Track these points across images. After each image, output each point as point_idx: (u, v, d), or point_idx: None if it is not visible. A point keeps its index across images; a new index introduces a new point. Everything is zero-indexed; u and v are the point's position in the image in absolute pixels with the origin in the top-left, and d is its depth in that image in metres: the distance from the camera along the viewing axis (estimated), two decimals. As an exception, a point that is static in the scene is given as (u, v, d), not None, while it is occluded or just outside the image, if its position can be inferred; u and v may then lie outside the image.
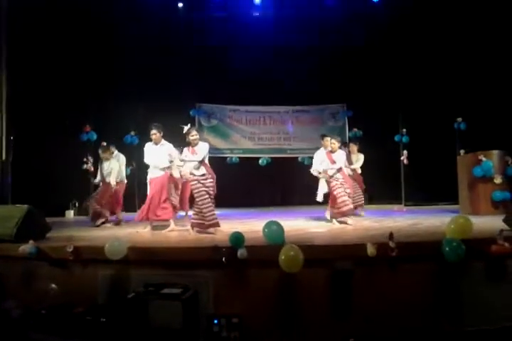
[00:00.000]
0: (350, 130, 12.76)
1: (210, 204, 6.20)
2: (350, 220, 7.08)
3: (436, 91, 10.94)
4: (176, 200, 8.58)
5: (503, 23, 9.93)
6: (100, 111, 10.53)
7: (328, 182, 7.40)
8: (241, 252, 4.34)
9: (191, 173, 6.21)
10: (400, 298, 4.34)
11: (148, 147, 6.86)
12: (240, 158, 12.56)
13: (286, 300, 4.43)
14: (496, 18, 10.02)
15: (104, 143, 8.64)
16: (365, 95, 11.84)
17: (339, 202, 7.07)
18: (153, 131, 6.78)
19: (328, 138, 7.75)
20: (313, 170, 7.74)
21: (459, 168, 8.65)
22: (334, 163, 7.24)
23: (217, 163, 12.36)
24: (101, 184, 7.95)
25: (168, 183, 6.88)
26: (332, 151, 7.37)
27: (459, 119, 10.66)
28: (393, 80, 11.45)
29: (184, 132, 6.50)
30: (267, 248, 4.53)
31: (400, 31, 11.21)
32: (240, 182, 12.12)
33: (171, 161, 6.83)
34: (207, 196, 6.17)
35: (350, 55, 11.89)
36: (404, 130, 11.01)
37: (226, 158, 12.56)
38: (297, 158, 12.65)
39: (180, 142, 9.60)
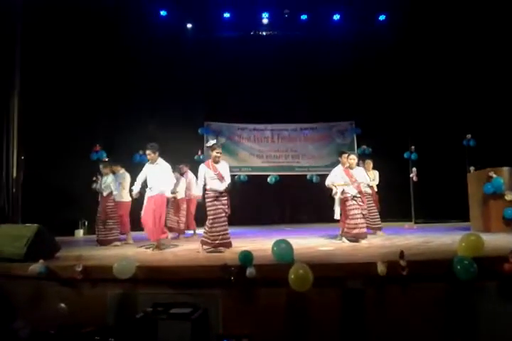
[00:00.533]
0: (358, 147, 12.75)
1: (226, 222, 6.16)
2: (363, 240, 6.93)
3: (445, 108, 10.96)
4: (172, 222, 8.65)
5: (510, 41, 9.98)
6: (110, 130, 10.65)
7: (344, 200, 7.13)
8: (250, 271, 4.31)
9: (212, 189, 6.17)
10: (412, 318, 4.28)
11: (146, 167, 6.97)
12: (248, 175, 12.57)
13: (296, 320, 4.38)
14: (502, 36, 10.07)
15: (106, 159, 8.70)
16: (374, 112, 11.89)
17: (352, 223, 6.93)
18: (148, 152, 6.85)
19: (346, 155, 7.44)
20: (328, 182, 7.37)
21: (470, 185, 8.60)
22: (354, 180, 7.06)
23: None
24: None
25: (164, 203, 6.83)
26: (351, 168, 7.20)
27: (468, 136, 10.62)
28: (402, 97, 11.50)
29: (208, 146, 6.51)
30: (276, 266, 4.49)
31: (408, 48, 11.33)
32: (249, 200, 12.10)
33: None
34: (223, 214, 6.14)
35: (359, 72, 11.97)
36: (413, 147, 10.98)
37: (234, 175, 12.56)
38: (306, 175, 12.64)
39: (188, 160, 9.72)
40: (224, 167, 6.42)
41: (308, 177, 12.53)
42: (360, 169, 7.37)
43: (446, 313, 4.36)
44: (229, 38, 12.17)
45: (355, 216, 6.96)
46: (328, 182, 7.39)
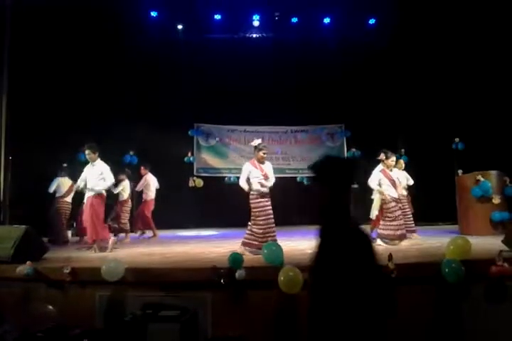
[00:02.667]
0: (348, 150, 12.81)
1: (274, 223, 6.07)
2: (403, 242, 6.79)
3: (434, 111, 11.01)
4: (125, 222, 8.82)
5: (498, 45, 10.08)
6: (99, 131, 10.57)
7: (384, 202, 6.96)
8: (239, 273, 4.31)
9: (258, 189, 6.12)
10: (401, 320, 4.28)
11: (86, 168, 6.96)
12: (238, 177, 12.51)
13: (286, 322, 4.38)
14: (491, 40, 10.17)
15: None
16: (364, 115, 11.92)
17: (395, 224, 6.76)
18: (87, 152, 6.82)
19: (384, 155, 7.07)
20: (373, 184, 7.06)
21: (458, 188, 8.66)
22: (394, 182, 6.96)
23: (215, 182, 12.50)
24: None
25: (101, 204, 6.80)
26: (391, 169, 7.06)
27: (457, 139, 10.70)
28: (391, 101, 11.57)
29: (254, 145, 6.36)
30: (266, 269, 4.50)
31: (398, 52, 11.38)
32: (239, 202, 12.06)
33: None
34: (272, 215, 6.06)
35: (349, 75, 12.01)
36: (403, 150, 11.03)
37: (224, 177, 12.56)
38: (296, 177, 12.67)
39: (177, 161, 9.71)
40: (269, 167, 6.37)
41: (298, 179, 12.56)
42: (395, 170, 7.26)
43: (434, 315, 4.39)
44: (220, 40, 12.15)
45: (398, 218, 6.83)
46: (373, 184, 7.09)
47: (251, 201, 6.16)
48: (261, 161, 6.30)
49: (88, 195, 6.71)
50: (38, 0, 9.09)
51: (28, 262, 4.72)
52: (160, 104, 11.70)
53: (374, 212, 7.22)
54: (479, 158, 9.61)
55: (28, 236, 5.34)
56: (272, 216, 6.08)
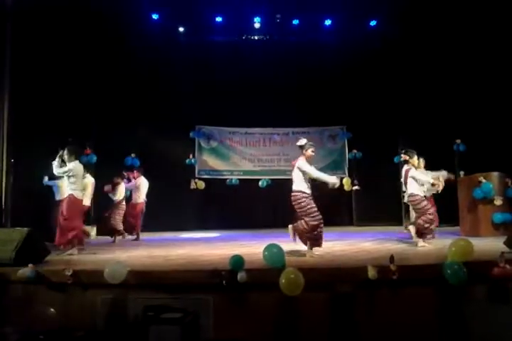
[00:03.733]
0: (349, 151, 12.81)
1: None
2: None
3: (435, 112, 11.02)
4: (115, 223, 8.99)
5: (498, 45, 10.08)
6: (101, 133, 10.61)
7: (418, 202, 6.90)
8: (241, 275, 4.31)
9: (307, 189, 6.03)
10: (403, 322, 4.29)
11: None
12: (239, 179, 12.56)
13: (287, 324, 4.38)
14: (491, 42, 10.17)
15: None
16: (365, 117, 11.95)
17: (430, 218, 6.72)
18: (64, 153, 6.83)
19: (407, 154, 7.17)
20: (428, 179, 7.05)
21: (459, 189, 8.66)
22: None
23: (217, 184, 12.51)
24: None
25: (72, 206, 6.64)
26: (416, 168, 7.08)
27: (458, 141, 10.69)
28: (393, 102, 11.57)
29: (301, 145, 6.25)
30: (268, 271, 4.49)
31: (399, 54, 11.39)
32: (240, 204, 12.10)
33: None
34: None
35: (350, 77, 12.03)
36: (404, 151, 11.00)
37: (226, 179, 12.57)
38: (297, 179, 12.65)
39: (179, 163, 9.73)
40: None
41: (299, 181, 12.55)
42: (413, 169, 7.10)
43: (436, 317, 4.39)
44: (221, 42, 12.18)
45: (432, 213, 6.82)
46: (427, 178, 7.06)
47: (298, 201, 6.02)
48: (309, 161, 6.17)
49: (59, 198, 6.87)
50: (38, 0, 9.11)
51: (29, 265, 4.71)
52: (161, 106, 11.72)
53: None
54: (481, 160, 9.63)
55: (29, 238, 5.33)
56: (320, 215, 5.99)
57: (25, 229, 5.45)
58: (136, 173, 9.64)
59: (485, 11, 10.01)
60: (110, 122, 10.80)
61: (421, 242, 6.70)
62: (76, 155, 6.89)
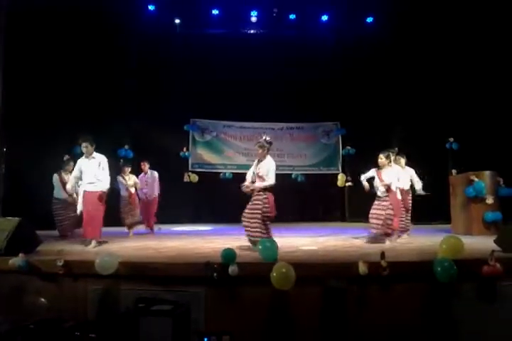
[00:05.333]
0: (343, 148, 12.83)
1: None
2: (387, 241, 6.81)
3: (428, 111, 11.04)
4: (128, 217, 8.72)
5: (493, 44, 10.12)
6: (94, 124, 10.54)
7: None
8: (232, 269, 4.32)
9: None
10: (393, 318, 4.33)
11: (80, 161, 6.63)
12: (233, 173, 12.55)
13: (278, 318, 4.41)
14: (487, 40, 10.20)
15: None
16: (359, 113, 11.95)
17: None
18: (85, 144, 6.47)
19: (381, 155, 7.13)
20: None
21: (451, 188, 8.71)
22: (382, 181, 6.91)
23: (210, 178, 12.49)
24: None
25: (101, 199, 6.49)
26: (380, 168, 7.08)
27: (451, 139, 10.72)
28: (386, 100, 11.57)
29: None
30: (259, 265, 4.52)
31: (395, 51, 11.39)
32: (233, 198, 12.06)
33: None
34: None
35: (345, 73, 12.04)
36: (397, 149, 11.02)
37: (219, 173, 12.56)
38: (291, 174, 12.68)
39: (172, 156, 9.70)
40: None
41: (293, 176, 12.59)
42: (389, 169, 7.09)
43: (425, 313, 4.43)
44: (217, 35, 12.12)
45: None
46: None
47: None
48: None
49: (90, 189, 6.42)
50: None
51: (20, 254, 4.71)
52: (156, 99, 11.67)
53: None
54: (473, 158, 9.66)
55: (21, 228, 5.32)
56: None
57: (17, 218, 5.43)
58: (147, 165, 9.37)
59: (480, 8, 10.05)
60: (104, 113, 10.72)
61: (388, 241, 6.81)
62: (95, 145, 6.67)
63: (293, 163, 13.15)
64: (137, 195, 9.01)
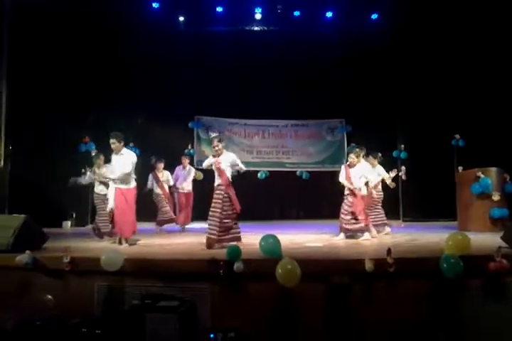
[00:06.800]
0: (348, 145, 12.78)
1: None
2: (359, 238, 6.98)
3: (434, 107, 11.00)
4: (164, 214, 8.76)
5: (498, 42, 10.06)
6: (99, 122, 10.56)
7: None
8: (237, 266, 4.32)
9: None
10: (398, 315, 4.31)
11: (112, 157, 6.60)
12: (238, 171, 12.51)
13: (283, 315, 4.40)
14: (492, 37, 10.14)
15: (94, 151, 8.57)
16: (364, 111, 11.91)
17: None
18: (112, 141, 6.40)
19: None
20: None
21: (458, 184, 8.67)
22: (349, 179, 7.06)
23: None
24: None
25: (133, 195, 6.50)
26: (350, 166, 7.19)
27: (457, 136, 10.66)
28: (392, 97, 11.54)
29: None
30: (264, 262, 4.50)
31: (400, 48, 11.35)
32: (238, 195, 12.05)
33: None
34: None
35: (350, 70, 11.98)
36: (403, 146, 11.01)
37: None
38: (295, 172, 12.67)
39: (177, 153, 9.73)
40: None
41: (298, 173, 12.57)
42: (358, 167, 7.18)
43: (431, 310, 4.41)
44: (221, 32, 12.09)
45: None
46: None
47: None
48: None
49: (120, 186, 6.38)
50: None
51: (27, 251, 4.73)
52: (160, 96, 11.67)
53: None
54: (479, 155, 9.62)
55: (27, 225, 5.34)
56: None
57: (23, 215, 5.46)
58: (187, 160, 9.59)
59: (486, 6, 9.98)
60: (108, 111, 10.74)
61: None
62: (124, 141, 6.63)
63: (298, 160, 13.15)
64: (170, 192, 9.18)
